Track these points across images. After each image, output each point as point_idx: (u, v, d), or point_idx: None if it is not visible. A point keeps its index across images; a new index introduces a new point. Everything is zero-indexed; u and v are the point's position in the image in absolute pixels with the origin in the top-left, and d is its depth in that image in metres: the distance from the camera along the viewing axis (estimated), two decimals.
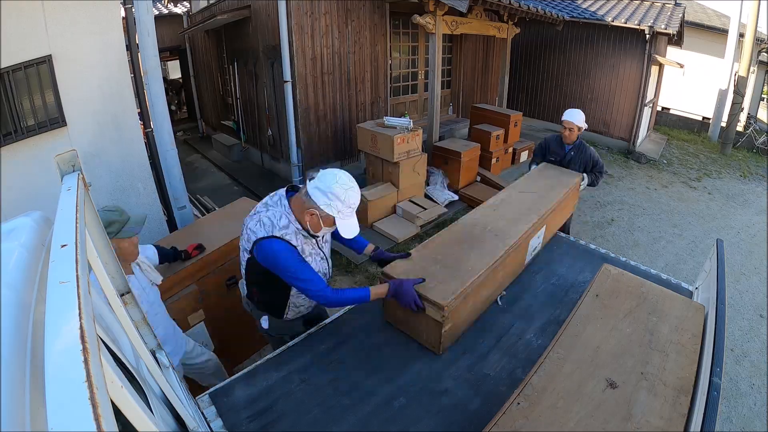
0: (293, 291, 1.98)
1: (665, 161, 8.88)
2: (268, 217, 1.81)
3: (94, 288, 0.97)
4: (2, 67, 2.77)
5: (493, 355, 1.97)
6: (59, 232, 0.79)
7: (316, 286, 1.82)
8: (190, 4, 9.49)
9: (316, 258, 1.96)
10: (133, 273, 2.04)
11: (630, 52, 8.57)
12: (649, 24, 7.97)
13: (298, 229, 1.84)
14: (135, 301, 1.35)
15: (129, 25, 3.47)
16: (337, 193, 1.74)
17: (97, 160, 3.33)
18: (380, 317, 2.18)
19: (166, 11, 9.99)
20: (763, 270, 4.97)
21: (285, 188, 1.93)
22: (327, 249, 2.07)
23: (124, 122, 3.46)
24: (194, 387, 2.39)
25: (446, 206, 5.78)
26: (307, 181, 1.82)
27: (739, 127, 10.92)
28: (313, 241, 1.94)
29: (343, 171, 1.83)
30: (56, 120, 3.09)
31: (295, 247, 1.81)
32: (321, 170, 1.83)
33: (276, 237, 1.77)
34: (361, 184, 5.60)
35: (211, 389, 1.77)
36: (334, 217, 1.78)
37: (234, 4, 6.71)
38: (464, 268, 2.04)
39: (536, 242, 2.65)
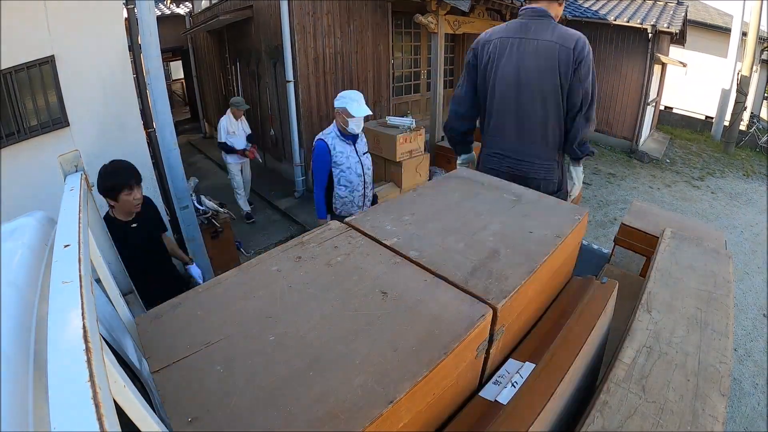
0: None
1: (668, 160, 8.86)
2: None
3: (96, 288, 0.97)
4: (5, 67, 2.78)
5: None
6: (62, 232, 0.79)
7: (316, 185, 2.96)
8: (192, 4, 9.52)
9: (351, 159, 2.91)
10: None
11: (632, 52, 8.55)
12: (652, 23, 7.94)
13: (336, 133, 2.86)
14: (138, 301, 1.35)
15: (131, 26, 3.47)
16: (342, 94, 2.82)
17: (100, 160, 3.31)
18: None
19: (168, 12, 10.01)
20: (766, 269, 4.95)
21: None
22: (365, 159, 3.04)
23: (126, 122, 3.47)
24: None
25: None
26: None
27: (742, 126, 10.88)
28: (351, 146, 2.91)
29: None
30: (59, 120, 3.10)
31: (326, 143, 2.84)
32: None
33: (319, 138, 2.89)
34: None
35: None
36: (347, 108, 2.74)
37: (236, 5, 6.72)
38: None
39: None
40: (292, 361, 0.90)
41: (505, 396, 1.07)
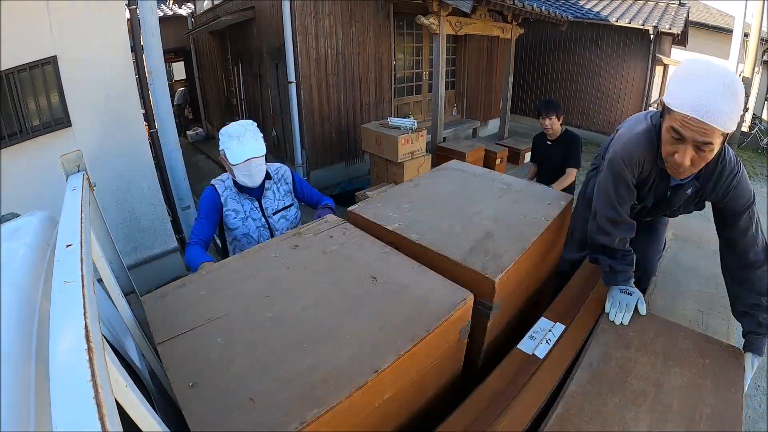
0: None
1: None
2: None
3: (98, 287, 0.97)
4: (7, 67, 2.79)
5: None
6: (64, 232, 0.80)
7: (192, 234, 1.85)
8: (194, 5, 9.53)
9: (251, 222, 1.94)
10: None
11: (634, 53, 8.54)
12: (654, 24, 7.94)
13: (229, 186, 1.96)
14: (139, 300, 1.35)
15: (134, 27, 3.48)
16: (222, 131, 1.87)
17: (102, 160, 3.35)
18: None
19: (170, 12, 10.03)
20: None
21: None
22: (277, 221, 1.98)
23: (128, 123, 3.48)
24: None
25: None
26: None
27: (744, 128, 10.85)
28: (251, 203, 1.96)
29: None
30: (61, 120, 3.11)
31: (218, 193, 1.94)
32: None
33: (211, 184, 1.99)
34: (366, 184, 5.63)
35: None
36: (225, 152, 1.83)
37: (238, 5, 6.73)
38: None
39: None
40: (287, 336, 0.97)
41: (541, 351, 1.23)
